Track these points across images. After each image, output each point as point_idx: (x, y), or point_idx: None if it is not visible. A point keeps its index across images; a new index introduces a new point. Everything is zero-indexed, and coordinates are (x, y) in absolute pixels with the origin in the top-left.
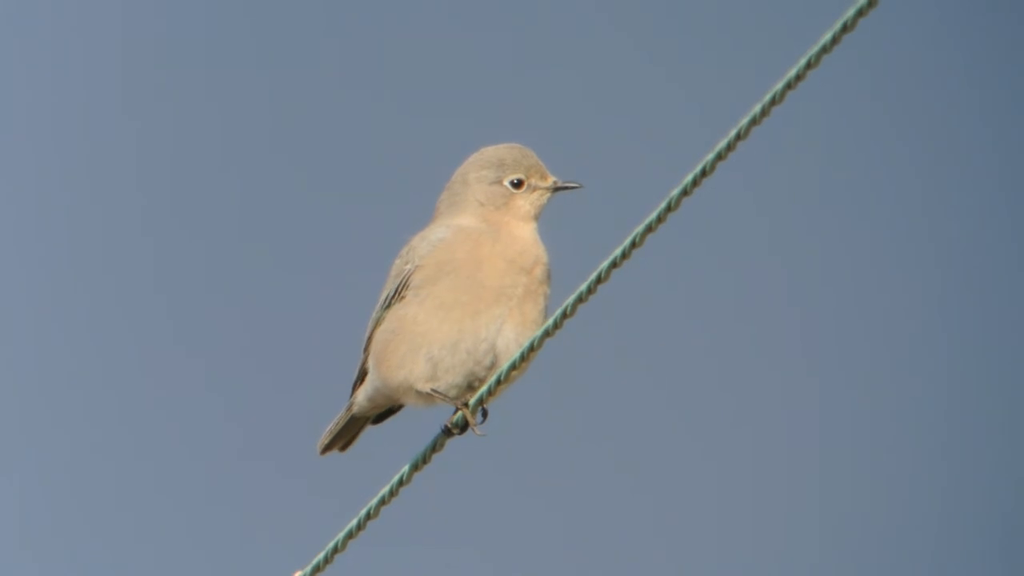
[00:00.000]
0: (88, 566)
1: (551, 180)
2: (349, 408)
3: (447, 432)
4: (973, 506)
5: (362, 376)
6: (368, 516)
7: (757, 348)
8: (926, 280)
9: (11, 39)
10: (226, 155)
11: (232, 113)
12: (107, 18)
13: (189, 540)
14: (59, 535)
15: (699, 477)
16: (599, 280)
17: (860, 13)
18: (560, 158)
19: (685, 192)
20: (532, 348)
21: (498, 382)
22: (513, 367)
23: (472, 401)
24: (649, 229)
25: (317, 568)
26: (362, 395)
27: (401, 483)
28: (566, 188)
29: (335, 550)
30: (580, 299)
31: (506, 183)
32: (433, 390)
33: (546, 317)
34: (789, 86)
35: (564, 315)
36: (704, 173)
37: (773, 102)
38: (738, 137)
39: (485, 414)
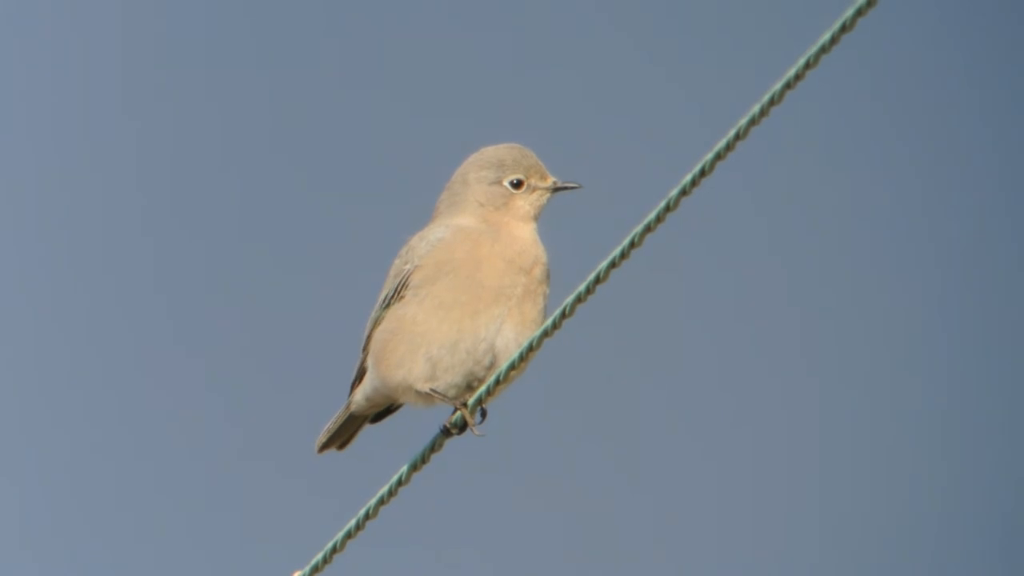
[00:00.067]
0: (88, 566)
1: (551, 180)
2: (347, 407)
3: (446, 432)
4: (973, 506)
5: (361, 375)
6: (367, 516)
7: (756, 348)
8: (926, 280)
9: (11, 39)
10: (226, 155)
11: (232, 113)
12: (107, 18)
13: (189, 540)
14: (59, 535)
15: (699, 477)
16: (598, 280)
17: (859, 13)
18: (560, 158)
19: (684, 192)
20: (531, 348)
21: (497, 382)
22: (512, 367)
23: (471, 401)
24: (648, 229)
25: (316, 568)
26: (360, 394)
27: (400, 483)
28: (566, 188)
29: (334, 550)
30: (579, 299)
31: (506, 183)
32: (432, 390)
33: (545, 317)
34: (788, 86)
35: (563, 315)
36: (703, 173)
37: (772, 102)
38: (737, 137)
39: (484, 414)
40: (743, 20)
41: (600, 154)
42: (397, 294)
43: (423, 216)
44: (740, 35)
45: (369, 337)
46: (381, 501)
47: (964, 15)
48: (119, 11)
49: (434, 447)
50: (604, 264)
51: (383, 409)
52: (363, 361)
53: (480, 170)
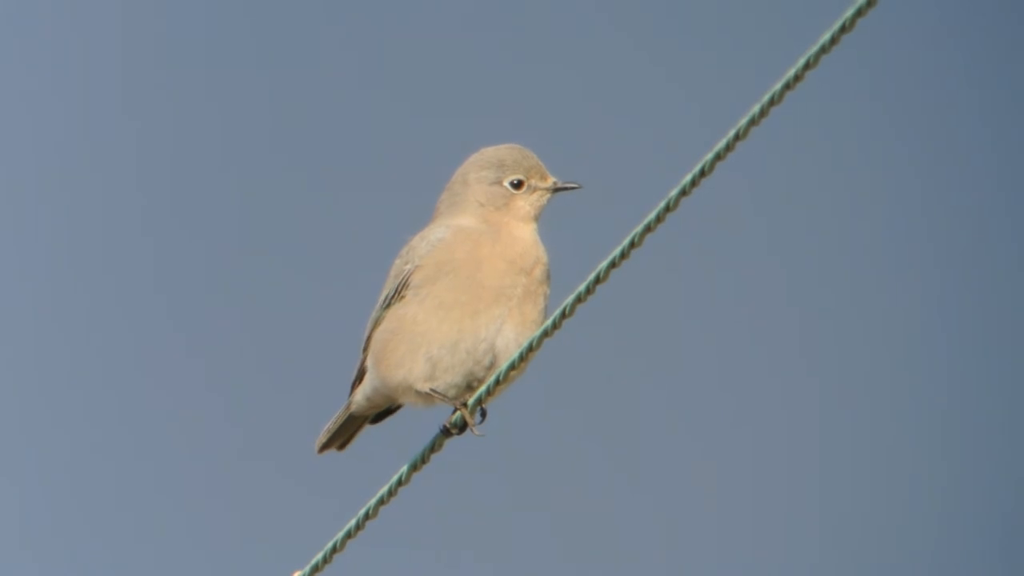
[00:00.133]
0: (88, 566)
1: (551, 181)
2: (347, 407)
3: (446, 432)
4: (973, 506)
5: (361, 375)
6: (367, 516)
7: (756, 348)
8: (926, 280)
9: (11, 39)
10: (226, 155)
11: (232, 113)
12: (107, 18)
13: (189, 540)
14: (59, 535)
15: (699, 477)
16: (598, 280)
17: (859, 13)
18: (560, 158)
19: (684, 192)
20: (531, 348)
21: (497, 382)
22: (512, 367)
23: (471, 401)
24: (648, 229)
25: (316, 568)
26: (360, 394)
27: (400, 483)
28: (566, 189)
29: (334, 550)
30: (579, 299)
31: (506, 184)
32: (432, 390)
33: (546, 317)
34: (788, 86)
35: (563, 315)
36: (703, 173)
37: (772, 102)
38: (737, 137)
39: (484, 414)
40: (743, 20)
41: (600, 154)
42: (397, 294)
43: (423, 216)
44: (740, 35)
45: (369, 337)
46: (381, 501)
47: (964, 15)
48: (119, 11)
49: (434, 447)
50: (604, 264)
51: (383, 409)
52: (363, 361)
53: (480, 170)
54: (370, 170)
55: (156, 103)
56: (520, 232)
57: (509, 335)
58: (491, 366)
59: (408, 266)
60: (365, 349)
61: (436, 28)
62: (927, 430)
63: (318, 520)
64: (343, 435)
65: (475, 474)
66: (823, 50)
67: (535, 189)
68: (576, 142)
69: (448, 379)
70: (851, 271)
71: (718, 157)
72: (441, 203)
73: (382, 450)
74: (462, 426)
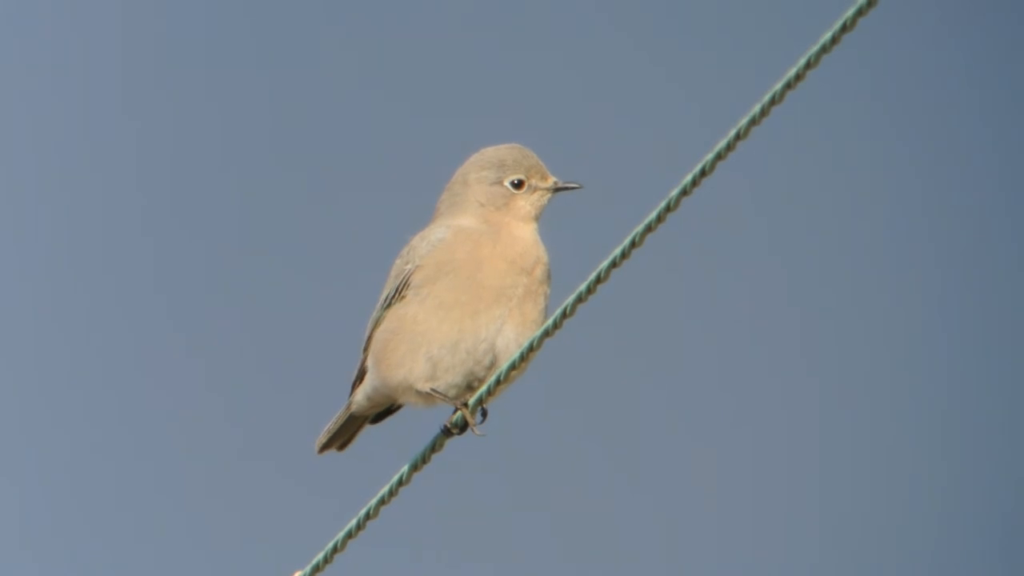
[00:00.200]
0: (88, 566)
1: (551, 181)
2: (348, 407)
3: (446, 432)
4: (973, 506)
5: (361, 375)
6: (368, 516)
7: (757, 348)
8: (926, 280)
9: (11, 39)
10: (226, 155)
11: (232, 113)
12: (107, 18)
13: (189, 540)
14: (59, 535)
15: (699, 477)
16: (599, 280)
17: (860, 13)
18: (560, 158)
19: (684, 192)
20: (532, 348)
21: (498, 382)
22: (513, 367)
23: (471, 401)
24: (649, 229)
25: (317, 568)
26: (361, 394)
27: (400, 483)
28: (566, 189)
29: (335, 550)
30: (580, 299)
31: (506, 184)
32: (432, 390)
33: (546, 317)
34: (789, 86)
35: (564, 315)
36: (704, 173)
37: (773, 102)
38: (738, 137)
39: (484, 414)
40: (743, 20)
41: (600, 154)
42: (398, 294)
43: (423, 216)
44: (740, 35)
45: (370, 337)
46: (382, 501)
47: (964, 15)
48: (119, 11)
49: (435, 447)
50: (605, 264)
51: (383, 409)
52: (364, 361)
53: (481, 170)
54: (370, 170)
55: (156, 103)
56: (520, 232)
57: (509, 335)
58: (491, 366)
59: (409, 266)
60: (365, 349)
61: (436, 28)
62: (927, 430)
63: (319, 520)
64: (344, 435)
65: (476, 474)
66: (824, 49)
67: (536, 189)
68: (576, 142)
69: (448, 379)
70: (852, 271)
71: (719, 157)
72: (441, 203)
73: (383, 450)
74: (463, 426)
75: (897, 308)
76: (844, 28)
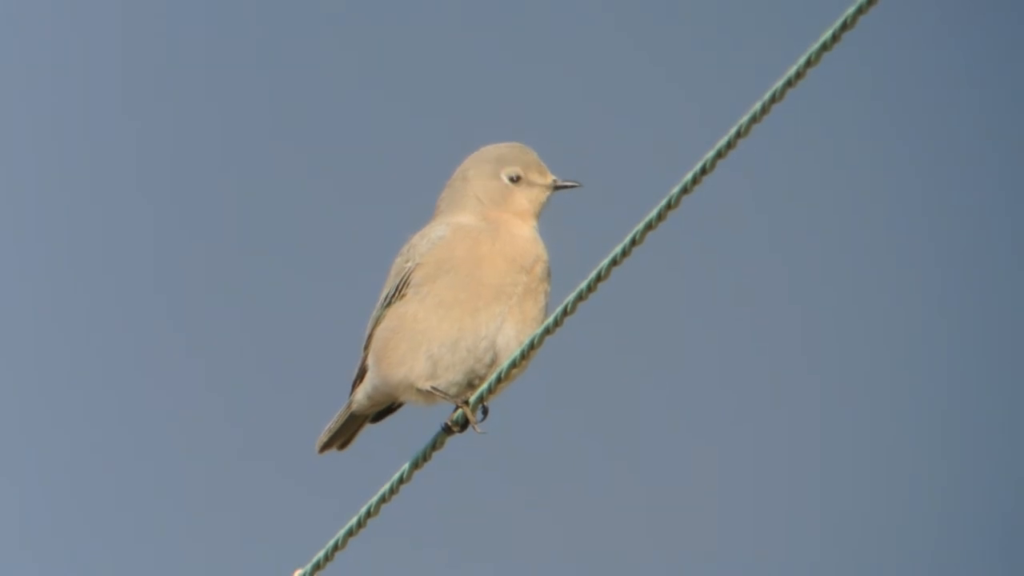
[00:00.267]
0: (88, 566)
1: (551, 178)
2: (349, 406)
3: (447, 430)
4: (973, 506)
5: (362, 374)
6: (368, 514)
7: (758, 347)
8: (926, 280)
9: (11, 39)
10: (226, 155)
11: (232, 113)
12: (107, 18)
13: (189, 539)
14: (59, 535)
15: (699, 476)
16: (600, 278)
17: (860, 11)
18: (560, 158)
19: (685, 190)
20: (532, 346)
21: (499, 380)
22: (514, 365)
23: (472, 399)
24: (649, 227)
25: (318, 566)
26: (362, 393)
27: (401, 481)
28: (566, 187)
29: (336, 548)
30: (581, 297)
31: (504, 178)
32: (433, 388)
33: (547, 315)
34: (789, 84)
35: (565, 312)
36: (704, 171)
37: (773, 100)
38: (738, 135)
39: (486, 412)
40: (743, 19)
41: (601, 153)
42: (398, 292)
43: (423, 216)
44: (740, 34)
45: (370, 336)
46: (383, 498)
47: (964, 14)
48: (119, 11)
49: (436, 445)
50: (606, 261)
51: (384, 408)
52: (364, 360)
53: (480, 165)
54: (370, 170)
55: (156, 103)
56: (520, 230)
57: (510, 333)
58: (492, 364)
59: (409, 264)
60: (366, 348)
61: (436, 28)
62: (927, 430)
63: (320, 518)
64: (344, 434)
65: (477, 472)
66: (825, 47)
67: (534, 185)
68: (576, 142)
69: (449, 377)
70: (853, 270)
71: (719, 155)
72: (442, 200)
73: (384, 448)
74: (464, 424)
75: (897, 308)
76: (844, 26)
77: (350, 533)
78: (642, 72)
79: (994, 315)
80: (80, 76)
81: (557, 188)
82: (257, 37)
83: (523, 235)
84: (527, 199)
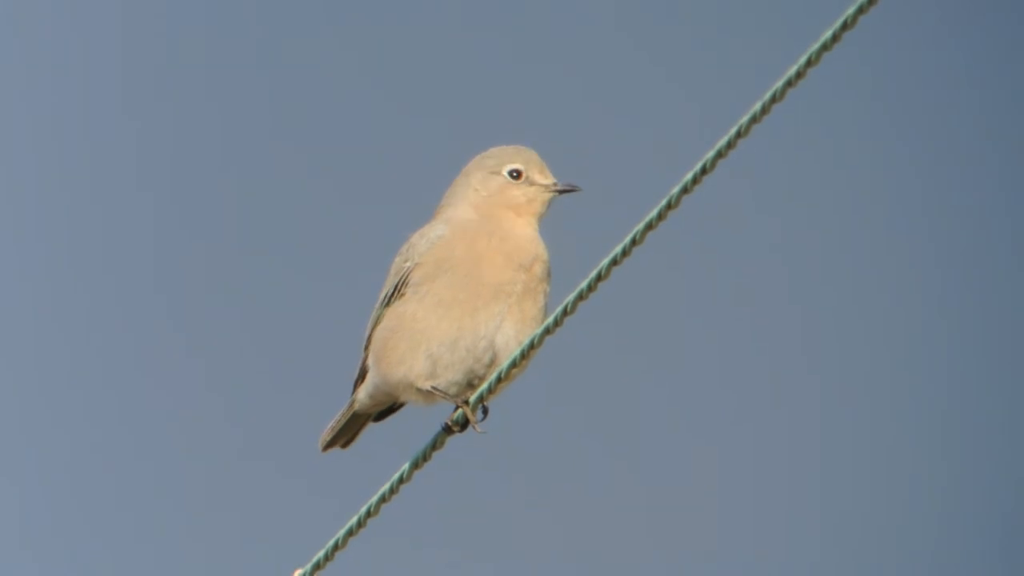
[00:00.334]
0: (88, 566)
1: (551, 180)
2: (351, 406)
3: (447, 430)
4: (973, 506)
5: (363, 374)
6: (368, 513)
7: (757, 347)
8: (926, 280)
9: (11, 39)
10: (226, 155)
11: (232, 113)
12: (107, 18)
13: (189, 539)
14: (59, 535)
15: (699, 476)
16: (600, 278)
17: (860, 11)
18: (560, 158)
19: (685, 190)
20: (532, 346)
21: (498, 380)
22: (513, 364)
23: (472, 399)
24: (650, 227)
25: (318, 565)
26: (363, 393)
27: (402, 481)
28: (566, 191)
29: (336, 547)
30: (581, 296)
31: (504, 173)
32: (433, 387)
33: (546, 315)
34: (790, 83)
35: (565, 312)
36: (704, 171)
37: (774, 99)
38: (739, 135)
39: (485, 412)
40: (743, 19)
41: (601, 152)
42: (398, 292)
43: (423, 216)
44: (741, 33)
45: (370, 336)
46: (383, 498)
47: (964, 14)
48: (119, 11)
49: (436, 445)
50: (606, 261)
51: (386, 407)
52: (365, 360)
53: (483, 161)
54: (370, 170)
55: (156, 103)
56: (519, 228)
57: (509, 332)
58: (491, 363)
59: (408, 264)
60: (366, 348)
61: (436, 28)
62: (927, 430)
63: (320, 517)
64: (347, 433)
65: (477, 472)
66: (825, 47)
67: (533, 183)
68: (576, 142)
69: (449, 376)
70: (852, 270)
71: (720, 154)
72: (444, 198)
73: (384, 448)
74: (464, 423)
75: (897, 308)
76: (845, 26)
77: (350, 533)
78: (642, 72)
79: (994, 315)
80: (80, 76)
81: (558, 192)
82: (257, 37)
83: (522, 234)
84: (525, 196)
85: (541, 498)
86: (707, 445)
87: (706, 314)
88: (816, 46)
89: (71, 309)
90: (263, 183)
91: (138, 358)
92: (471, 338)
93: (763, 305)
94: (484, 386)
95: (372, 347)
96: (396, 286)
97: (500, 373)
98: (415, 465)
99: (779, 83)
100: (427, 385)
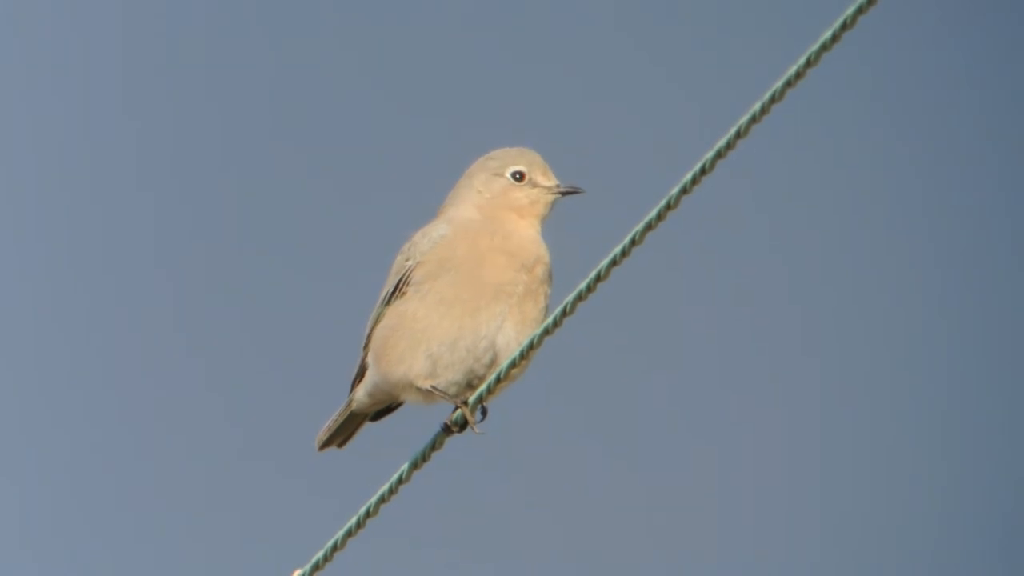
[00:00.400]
0: (88, 566)
1: (554, 182)
2: (349, 404)
3: (446, 430)
4: (973, 506)
5: (362, 373)
6: (368, 514)
7: (757, 347)
8: (926, 280)
9: (11, 39)
10: (226, 155)
11: (232, 113)
12: (107, 18)
13: (189, 539)
14: (59, 535)
15: (699, 476)
16: (599, 278)
17: (860, 11)
18: (561, 158)
19: (685, 190)
20: (532, 346)
21: (498, 380)
22: (513, 365)
23: (472, 399)
24: (649, 227)
25: (317, 566)
26: (362, 391)
27: (400, 481)
28: (569, 193)
29: (335, 548)
30: (580, 297)
31: (507, 174)
32: (432, 387)
33: (547, 317)
34: (789, 84)
35: (564, 313)
36: (704, 171)
37: (773, 100)
38: (738, 135)
39: (484, 412)
40: (743, 19)
41: (601, 153)
42: (399, 290)
43: (423, 216)
44: (740, 34)
45: (370, 334)
46: (382, 499)
47: (964, 14)
48: (119, 11)
49: (435, 445)
50: (605, 262)
51: (384, 407)
52: (364, 358)
53: (486, 162)
54: (370, 170)
55: (156, 103)
56: (521, 229)
57: (510, 333)
58: (491, 364)
59: (410, 262)
60: (366, 346)
61: (436, 28)
62: (927, 430)
63: (319, 518)
64: (344, 432)
65: (476, 472)
66: (824, 47)
67: (536, 185)
68: (576, 143)
69: (448, 376)
70: (852, 270)
71: (719, 155)
72: (447, 198)
73: (383, 448)
74: (463, 424)
75: (897, 308)
76: (844, 26)
77: (349, 533)
78: (642, 72)
79: (994, 315)
80: (80, 76)
81: (560, 193)
82: (257, 37)
83: (525, 235)
84: (528, 198)
85: (541, 498)
86: (707, 445)
87: (706, 314)
88: (815, 46)
89: (71, 309)
90: (263, 183)
91: (138, 358)
92: (472, 338)
93: (763, 305)
94: (483, 387)
95: (372, 345)
96: (397, 284)
97: (499, 373)
98: (414, 465)
99: (778, 83)
100: (427, 384)
